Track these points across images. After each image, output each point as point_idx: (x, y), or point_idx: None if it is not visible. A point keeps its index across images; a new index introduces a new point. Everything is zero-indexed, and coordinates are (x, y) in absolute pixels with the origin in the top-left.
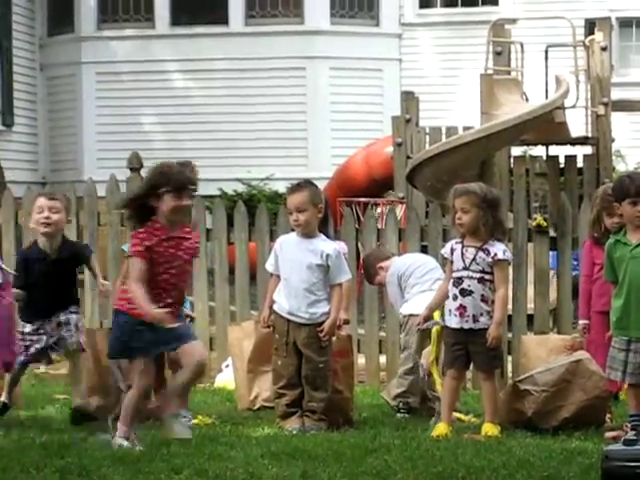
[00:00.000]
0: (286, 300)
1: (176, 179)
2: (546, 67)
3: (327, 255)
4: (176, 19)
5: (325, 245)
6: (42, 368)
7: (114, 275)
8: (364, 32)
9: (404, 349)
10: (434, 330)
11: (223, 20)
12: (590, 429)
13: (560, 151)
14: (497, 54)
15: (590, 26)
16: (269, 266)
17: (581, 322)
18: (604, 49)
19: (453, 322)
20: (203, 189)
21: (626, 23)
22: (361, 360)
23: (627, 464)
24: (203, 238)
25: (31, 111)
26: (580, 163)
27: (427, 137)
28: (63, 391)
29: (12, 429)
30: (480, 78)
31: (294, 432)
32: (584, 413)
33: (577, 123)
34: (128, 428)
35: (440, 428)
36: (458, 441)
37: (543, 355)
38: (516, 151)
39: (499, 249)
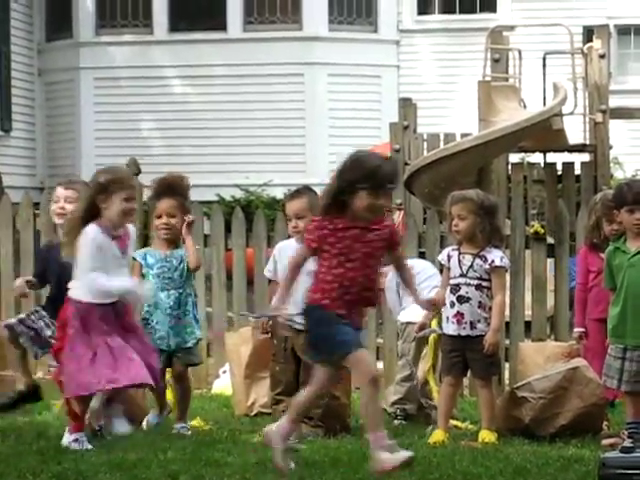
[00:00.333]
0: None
1: (376, 177)
2: (544, 74)
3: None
4: (174, 25)
5: None
6: (40, 374)
7: None
8: (362, 38)
9: (401, 356)
10: (431, 338)
11: (221, 26)
12: (587, 436)
13: (558, 158)
14: (495, 61)
15: (588, 33)
16: (267, 272)
17: (576, 330)
18: (602, 56)
19: (450, 329)
20: (201, 195)
21: (624, 30)
22: None
23: (624, 471)
24: (201, 244)
25: (29, 116)
26: (578, 170)
27: (425, 144)
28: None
29: (9, 434)
30: (478, 85)
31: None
32: (581, 420)
33: (575, 130)
34: (292, 425)
35: (437, 435)
36: (455, 448)
37: (540, 362)
38: (514, 158)
39: (496, 256)
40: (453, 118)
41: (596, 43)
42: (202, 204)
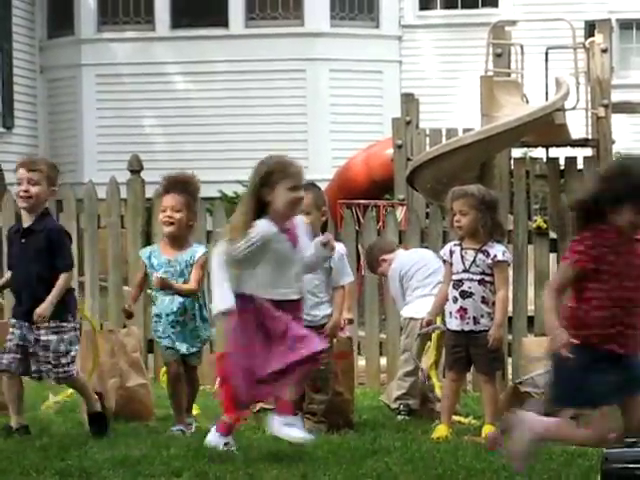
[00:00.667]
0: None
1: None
2: (546, 69)
3: (330, 257)
4: (176, 21)
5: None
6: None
7: (115, 279)
8: (364, 34)
9: (404, 351)
10: (435, 334)
11: (223, 22)
12: None
13: (560, 153)
14: (497, 56)
15: (590, 28)
16: None
17: None
18: (604, 51)
19: (454, 324)
20: (203, 191)
21: (626, 25)
22: (361, 362)
23: (627, 466)
24: (203, 240)
25: (31, 113)
26: (580, 165)
27: (427, 139)
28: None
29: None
30: (480, 80)
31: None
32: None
33: (577, 125)
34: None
35: (440, 430)
36: (458, 443)
37: (543, 357)
38: (516, 153)
39: (498, 250)
40: (455, 113)
41: (598, 38)
42: (204, 200)
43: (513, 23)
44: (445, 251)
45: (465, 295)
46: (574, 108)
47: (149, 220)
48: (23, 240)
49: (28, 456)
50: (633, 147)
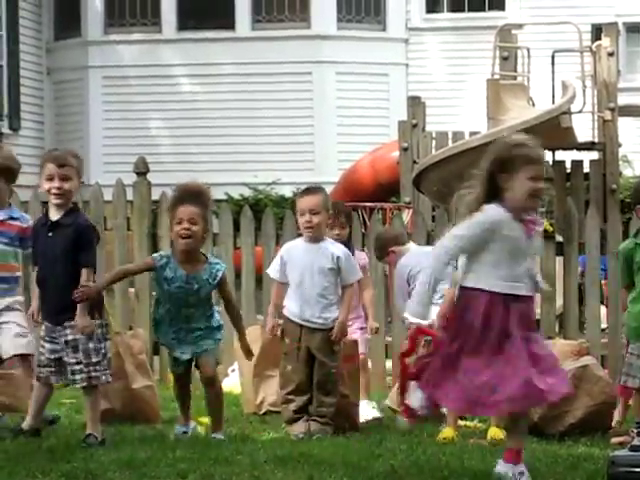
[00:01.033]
0: (298, 306)
1: None
2: (553, 72)
3: (337, 257)
4: (183, 23)
5: (334, 248)
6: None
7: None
8: (371, 37)
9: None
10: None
11: (230, 25)
12: (596, 435)
13: (567, 156)
14: (504, 59)
15: (597, 31)
16: (274, 272)
17: None
18: (611, 54)
19: None
20: None
21: (633, 28)
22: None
23: (633, 470)
24: (209, 242)
25: (38, 115)
26: (587, 168)
27: (433, 142)
28: (70, 395)
29: (18, 433)
30: (487, 83)
31: (300, 437)
32: (590, 419)
33: (584, 128)
34: None
35: (447, 432)
36: (464, 446)
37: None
38: None
39: None
40: (462, 116)
41: (605, 41)
42: None
43: (520, 26)
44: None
45: None
46: (580, 111)
47: (155, 222)
48: (50, 234)
49: (34, 458)
50: (639, 150)
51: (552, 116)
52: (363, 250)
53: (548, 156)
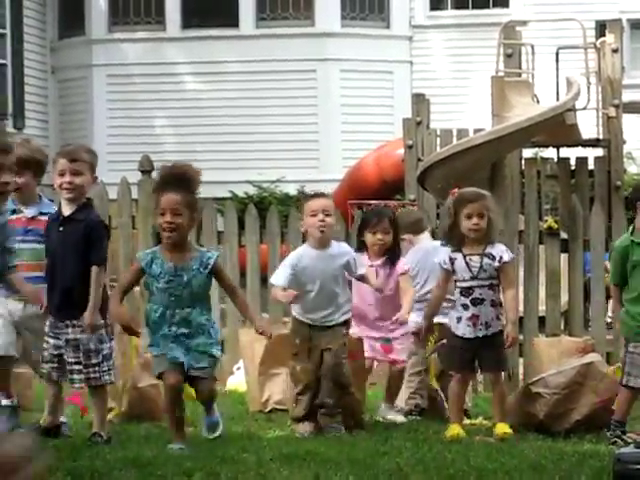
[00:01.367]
0: (309, 309)
1: None
2: (557, 69)
3: (347, 262)
4: (187, 22)
5: (342, 247)
6: None
7: None
8: (375, 34)
9: (413, 354)
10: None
11: (234, 22)
12: (602, 432)
13: (571, 153)
14: (508, 56)
15: (601, 28)
16: (282, 281)
17: None
18: (615, 51)
19: (466, 332)
20: (214, 191)
21: (637, 25)
22: None
23: (639, 467)
24: (214, 241)
25: (42, 114)
26: (591, 165)
27: (438, 139)
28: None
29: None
30: (491, 80)
31: (305, 435)
32: (596, 415)
33: (588, 125)
34: None
35: (453, 429)
36: (470, 444)
37: (554, 357)
38: (527, 153)
39: (502, 251)
40: (466, 113)
41: (609, 37)
42: (215, 201)
43: (524, 23)
44: (444, 259)
45: (477, 302)
46: (585, 108)
47: None
48: (61, 228)
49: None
50: None
51: (557, 113)
52: None
53: (553, 153)
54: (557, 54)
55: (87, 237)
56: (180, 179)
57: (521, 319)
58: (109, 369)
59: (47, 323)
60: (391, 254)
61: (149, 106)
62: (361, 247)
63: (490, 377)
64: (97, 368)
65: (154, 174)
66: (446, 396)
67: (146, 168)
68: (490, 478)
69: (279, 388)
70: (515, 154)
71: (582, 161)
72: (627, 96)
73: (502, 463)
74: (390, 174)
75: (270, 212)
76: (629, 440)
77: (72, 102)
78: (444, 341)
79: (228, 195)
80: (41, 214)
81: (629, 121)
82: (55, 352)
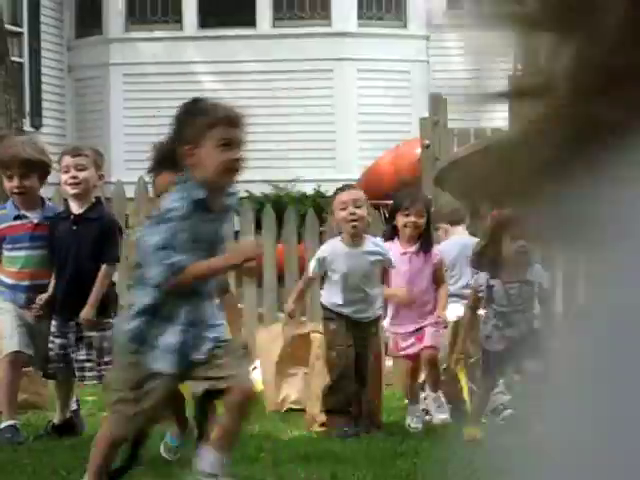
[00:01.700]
0: (342, 304)
1: None
2: None
3: (379, 260)
4: (204, 21)
5: (377, 245)
6: None
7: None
8: (392, 34)
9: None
10: (451, 332)
11: (251, 22)
12: None
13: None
14: None
15: None
16: (312, 272)
17: None
18: None
19: (498, 349)
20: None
21: None
22: (389, 363)
23: None
24: (230, 240)
25: (59, 112)
26: None
27: (455, 139)
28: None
29: (41, 430)
30: (508, 80)
31: (347, 430)
32: None
33: None
34: None
35: (471, 432)
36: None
37: None
38: None
39: (541, 277)
40: (484, 113)
41: None
42: None
43: None
44: (481, 284)
45: (510, 325)
46: None
47: None
48: (74, 227)
49: (58, 455)
50: None
51: None
52: None
53: None
54: None
55: (101, 236)
56: (175, 158)
57: None
58: None
59: (53, 323)
60: (425, 240)
61: (166, 105)
62: (392, 235)
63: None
64: (109, 366)
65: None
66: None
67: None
68: (509, 477)
69: (296, 388)
70: None
71: None
72: None
73: None
74: (407, 174)
75: (287, 212)
76: None
77: (89, 101)
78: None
79: (244, 194)
80: (46, 219)
81: None
82: (61, 352)
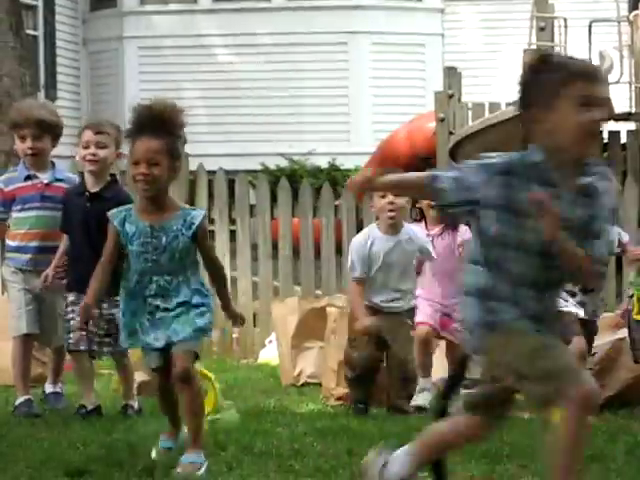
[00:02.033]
0: (376, 295)
1: None
2: (590, 42)
3: (420, 241)
4: None
5: (414, 230)
6: None
7: None
8: (406, 7)
9: None
10: None
11: None
12: (635, 408)
13: (603, 127)
14: (540, 29)
15: (634, 1)
16: (359, 273)
17: None
18: None
19: None
20: (245, 164)
21: None
22: None
23: None
24: (247, 214)
25: (74, 85)
26: (624, 139)
27: (470, 112)
28: (109, 365)
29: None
30: (523, 54)
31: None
32: (629, 391)
33: (621, 99)
34: None
35: None
36: None
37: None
38: None
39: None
40: (498, 87)
41: None
42: (247, 173)
43: None
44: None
45: None
46: (617, 82)
47: (192, 192)
48: (88, 204)
49: (75, 429)
50: None
51: None
52: None
53: None
54: (590, 27)
55: None
56: (159, 121)
57: None
58: None
59: (72, 294)
60: (451, 220)
61: (180, 78)
62: (420, 217)
63: None
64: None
65: (186, 148)
66: None
67: None
68: (523, 453)
69: (311, 362)
70: None
71: (614, 135)
72: None
73: (535, 439)
74: (422, 148)
75: (303, 186)
76: None
77: (103, 74)
78: None
79: (259, 167)
80: (57, 180)
81: None
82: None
